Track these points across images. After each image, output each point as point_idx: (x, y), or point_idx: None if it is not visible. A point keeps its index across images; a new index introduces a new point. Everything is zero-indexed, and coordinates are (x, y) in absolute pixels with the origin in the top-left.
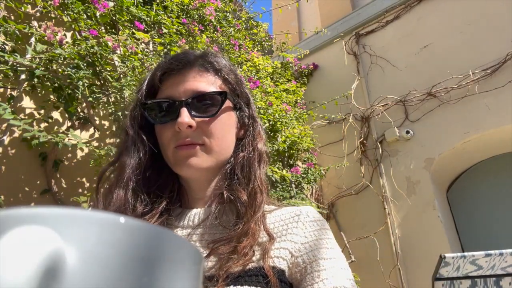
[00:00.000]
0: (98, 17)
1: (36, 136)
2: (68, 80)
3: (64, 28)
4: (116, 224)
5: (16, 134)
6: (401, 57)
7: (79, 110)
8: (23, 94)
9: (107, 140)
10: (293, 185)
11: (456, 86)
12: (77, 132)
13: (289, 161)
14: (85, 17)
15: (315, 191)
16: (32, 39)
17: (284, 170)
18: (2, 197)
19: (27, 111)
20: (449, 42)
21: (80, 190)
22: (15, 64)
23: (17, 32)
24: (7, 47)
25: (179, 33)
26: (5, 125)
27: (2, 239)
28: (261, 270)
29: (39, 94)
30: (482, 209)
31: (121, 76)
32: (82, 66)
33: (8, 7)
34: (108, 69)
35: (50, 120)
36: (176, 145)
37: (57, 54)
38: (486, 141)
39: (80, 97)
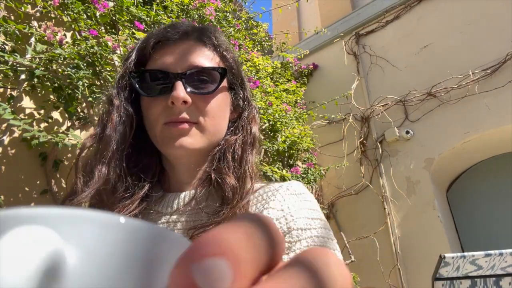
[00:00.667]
0: (98, 17)
1: (36, 136)
2: (68, 80)
3: (64, 28)
4: (117, 224)
5: (16, 134)
6: (401, 57)
7: (79, 110)
8: (23, 94)
9: None
10: None
11: (456, 86)
12: (77, 132)
13: (289, 161)
14: (85, 17)
15: (315, 191)
16: (32, 39)
17: (284, 170)
18: (2, 197)
19: (27, 111)
20: (449, 42)
21: None
22: (15, 64)
23: (17, 32)
24: (7, 47)
25: None
26: (5, 125)
27: (2, 239)
28: None
29: (39, 94)
30: (482, 209)
31: None
32: (82, 66)
33: (8, 7)
34: (108, 69)
35: (50, 120)
36: (166, 121)
37: (57, 54)
38: (486, 141)
39: (80, 97)
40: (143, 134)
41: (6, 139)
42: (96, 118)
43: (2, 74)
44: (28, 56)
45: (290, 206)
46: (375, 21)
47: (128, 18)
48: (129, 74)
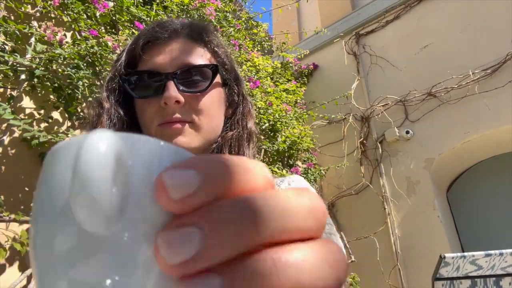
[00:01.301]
0: (98, 17)
1: (36, 136)
2: (68, 80)
3: (64, 28)
4: (169, 149)
5: (16, 134)
6: (401, 57)
7: (79, 110)
8: (23, 94)
9: None
10: None
11: (456, 86)
12: (77, 132)
13: (289, 161)
14: (85, 17)
15: (315, 191)
16: (32, 39)
17: (284, 170)
18: (2, 197)
19: (27, 111)
20: (449, 42)
21: None
22: (15, 64)
23: (17, 32)
24: (7, 47)
25: None
26: (5, 125)
27: (85, 141)
28: None
29: (39, 94)
30: (482, 209)
31: None
32: (82, 66)
33: (8, 7)
34: (108, 69)
35: (50, 120)
36: (160, 122)
37: (57, 54)
38: (486, 141)
39: (80, 97)
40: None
41: (6, 139)
42: None
43: (2, 74)
44: (28, 56)
45: None
46: (375, 21)
47: (128, 18)
48: (119, 77)
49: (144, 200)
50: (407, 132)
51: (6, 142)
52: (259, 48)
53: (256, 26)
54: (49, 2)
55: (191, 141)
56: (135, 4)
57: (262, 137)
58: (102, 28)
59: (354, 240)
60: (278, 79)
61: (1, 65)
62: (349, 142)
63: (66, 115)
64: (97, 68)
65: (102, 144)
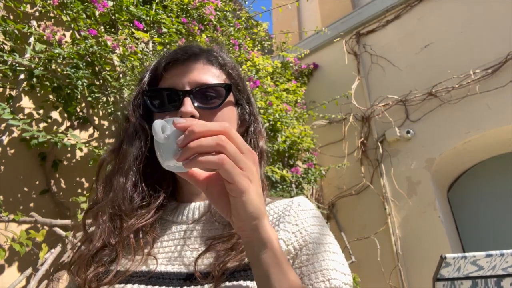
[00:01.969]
0: (98, 16)
1: (35, 136)
2: (67, 80)
3: (63, 28)
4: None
5: (15, 134)
6: (401, 57)
7: (78, 110)
8: (22, 94)
9: (107, 140)
10: (293, 185)
11: (456, 86)
12: (76, 132)
13: (289, 161)
14: (85, 17)
15: (316, 191)
16: (31, 39)
17: (284, 170)
18: (1, 197)
19: (26, 111)
20: (449, 42)
21: (79, 190)
22: (14, 63)
23: (16, 31)
24: (6, 47)
25: (178, 32)
26: (4, 125)
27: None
28: None
29: (38, 94)
30: (483, 209)
31: (121, 75)
32: (81, 66)
33: (7, 7)
34: (108, 68)
35: (49, 120)
36: None
37: (56, 54)
38: (487, 141)
39: (79, 97)
40: None
41: (5, 139)
42: (95, 118)
43: (1, 74)
44: (27, 55)
45: (303, 221)
46: (375, 21)
47: (127, 18)
48: (142, 93)
49: (172, 133)
50: (408, 132)
51: (5, 142)
52: (259, 48)
53: (256, 26)
54: (48, 1)
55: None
56: (135, 3)
57: None
58: (102, 27)
59: (355, 240)
60: (278, 79)
61: (0, 65)
62: (350, 142)
63: (65, 115)
64: (96, 68)
65: (158, 122)
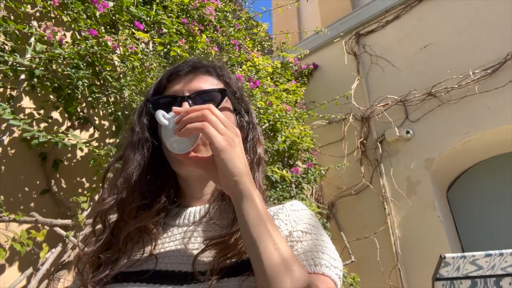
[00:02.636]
0: (98, 17)
1: (36, 136)
2: (68, 80)
3: (64, 28)
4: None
5: (15, 134)
6: (401, 57)
7: (78, 110)
8: (22, 94)
9: (107, 140)
10: (293, 185)
11: (456, 86)
12: (77, 132)
13: (289, 161)
14: (85, 17)
15: (315, 191)
16: (32, 39)
17: (284, 170)
18: (2, 197)
19: (27, 111)
20: (449, 42)
21: (79, 190)
22: (14, 64)
23: (16, 32)
24: (6, 47)
25: (179, 33)
26: (4, 125)
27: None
28: None
29: (39, 94)
30: (483, 209)
31: (121, 76)
32: (82, 66)
33: (8, 7)
34: (108, 69)
35: (49, 120)
36: None
37: (56, 54)
38: (486, 141)
39: (79, 97)
40: (163, 156)
41: (6, 139)
42: (96, 118)
43: (2, 74)
44: (28, 56)
45: (293, 216)
46: (375, 21)
47: (128, 18)
48: (145, 102)
49: (171, 117)
50: (407, 132)
51: (5, 142)
52: (259, 48)
53: (256, 26)
54: (49, 2)
55: (203, 156)
56: (135, 4)
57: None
58: (102, 28)
59: (354, 240)
60: (278, 79)
61: (1, 65)
62: (349, 142)
63: (66, 115)
64: (97, 68)
65: (159, 111)
